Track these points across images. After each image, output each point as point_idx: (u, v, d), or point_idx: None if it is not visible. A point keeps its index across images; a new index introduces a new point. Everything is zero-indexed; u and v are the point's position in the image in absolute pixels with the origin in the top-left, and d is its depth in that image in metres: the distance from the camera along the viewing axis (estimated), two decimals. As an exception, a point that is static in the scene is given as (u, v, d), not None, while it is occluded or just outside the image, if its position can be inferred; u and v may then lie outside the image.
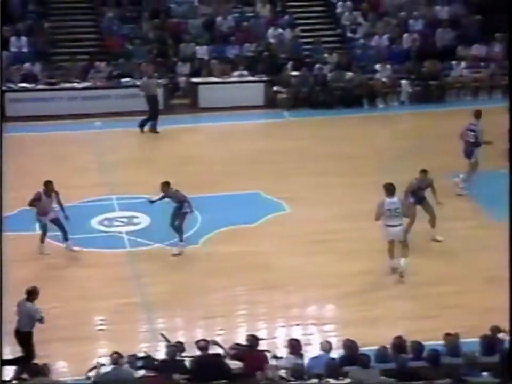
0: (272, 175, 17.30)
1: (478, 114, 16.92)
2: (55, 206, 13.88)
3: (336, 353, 10.15)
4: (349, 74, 22.50)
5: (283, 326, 12.24)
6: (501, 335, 10.42)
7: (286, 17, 24.05)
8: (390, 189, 13.41)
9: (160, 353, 10.51)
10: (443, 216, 14.68)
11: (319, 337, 11.59)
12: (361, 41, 23.46)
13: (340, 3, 24.35)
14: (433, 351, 9.79)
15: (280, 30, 23.57)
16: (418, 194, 14.29)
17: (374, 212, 13.50)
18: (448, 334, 10.33)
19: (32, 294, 10.48)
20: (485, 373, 9.43)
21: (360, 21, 24.03)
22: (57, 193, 13.79)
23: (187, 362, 9.76)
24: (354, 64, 22.77)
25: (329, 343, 10.25)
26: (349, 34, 23.83)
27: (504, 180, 16.13)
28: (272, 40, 23.47)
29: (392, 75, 22.45)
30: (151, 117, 20.15)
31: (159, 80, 20.90)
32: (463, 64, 22.71)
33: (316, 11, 24.76)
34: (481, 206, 15.73)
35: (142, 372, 9.65)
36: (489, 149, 16.69)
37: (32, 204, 13.74)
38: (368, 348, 10.15)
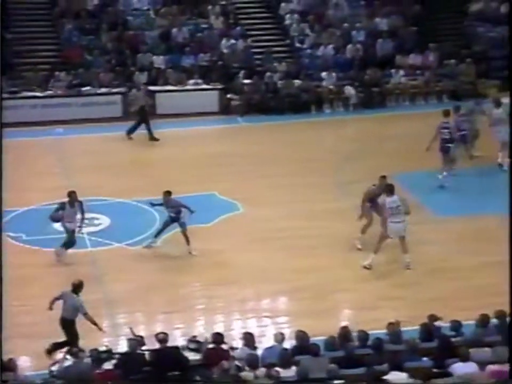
0: (227, 177, 17.26)
1: (446, 113, 17.16)
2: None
3: (288, 344, 10.16)
4: (298, 82, 22.57)
5: (239, 319, 12.22)
6: (437, 323, 10.59)
7: (238, 28, 24.03)
8: (390, 189, 13.42)
9: (122, 347, 10.41)
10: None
11: (273, 328, 11.59)
12: (308, 51, 23.53)
13: (288, 15, 24.39)
14: (377, 339, 9.88)
15: (232, 41, 23.53)
16: (375, 200, 14.04)
17: (324, 211, 13.53)
18: (390, 323, 10.42)
19: (78, 287, 10.78)
20: (424, 358, 9.54)
21: (307, 32, 24.09)
22: (80, 203, 13.58)
23: (147, 355, 9.69)
24: (302, 73, 22.84)
25: (282, 334, 10.24)
26: (297, 45, 23.89)
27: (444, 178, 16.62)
28: (225, 51, 23.44)
29: (337, 82, 22.58)
30: (139, 124, 19.96)
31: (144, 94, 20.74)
32: (401, 72, 22.92)
33: (266, 23, 24.78)
34: (421, 202, 15.87)
35: (104, 366, 9.55)
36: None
37: (55, 216, 13.57)
38: (318, 338, 10.19)
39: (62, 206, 13.61)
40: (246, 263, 13.61)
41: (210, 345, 9.88)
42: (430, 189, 16.44)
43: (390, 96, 22.50)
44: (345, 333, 10.16)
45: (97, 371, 9.46)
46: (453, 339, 9.92)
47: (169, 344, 9.81)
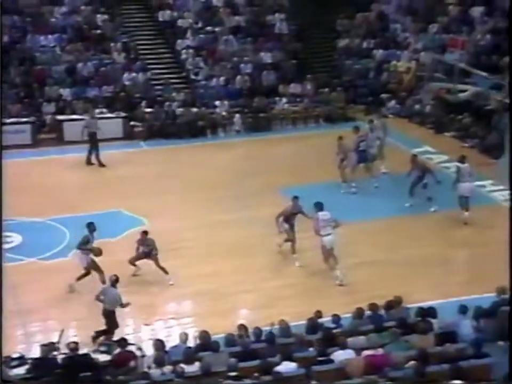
0: (132, 195, 16.93)
1: (356, 130, 17.72)
2: None
3: (192, 342, 9.99)
4: (194, 109, 22.47)
5: (147, 322, 11.95)
6: (320, 319, 10.69)
7: (139, 63, 23.72)
8: (319, 206, 13.32)
9: (34, 353, 9.93)
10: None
11: (178, 329, 11.38)
12: (203, 82, 23.48)
13: (184, 51, 24.29)
14: (269, 333, 9.86)
15: (134, 74, 23.21)
16: (290, 219, 13.77)
17: (221, 221, 13.39)
18: (282, 320, 10.44)
19: (115, 281, 11.29)
20: (311, 349, 9.59)
21: (201, 65, 24.05)
22: None
23: (59, 360, 9.27)
24: (198, 101, 22.78)
25: (186, 334, 10.10)
26: (193, 77, 23.80)
27: (329, 190, 16.82)
28: (127, 83, 23.07)
29: (229, 109, 22.62)
30: (92, 149, 19.29)
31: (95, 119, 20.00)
32: (284, 99, 23.21)
33: (164, 57, 24.56)
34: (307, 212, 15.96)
35: (17, 371, 9.06)
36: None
37: None
38: (219, 335, 10.09)
39: None
40: (152, 272, 13.34)
41: (118, 349, 9.58)
42: (311, 201, 16.58)
43: (275, 121, 22.71)
44: (243, 330, 10.12)
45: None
46: (334, 330, 10.02)
47: (81, 348, 9.43)
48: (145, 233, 13.49)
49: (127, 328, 11.67)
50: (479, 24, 23.70)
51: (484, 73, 19.60)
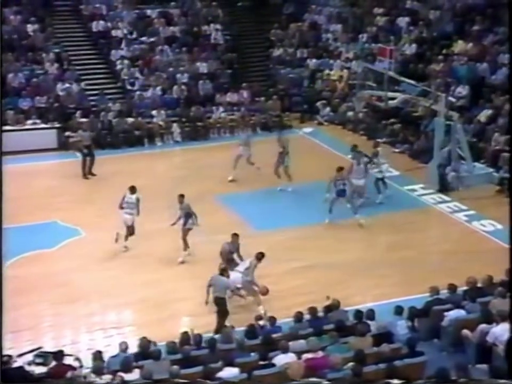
0: (67, 206, 16.60)
1: (279, 141, 17.96)
2: None
3: (132, 351, 9.85)
4: (130, 119, 22.22)
5: (86, 332, 11.71)
6: (261, 322, 10.71)
7: (72, 73, 23.30)
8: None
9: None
10: (214, 229, 14.85)
11: (119, 338, 11.18)
12: (138, 92, 23.23)
13: (119, 61, 24.01)
14: (211, 340, 9.82)
15: (67, 84, 22.75)
16: (229, 257, 13.27)
17: (157, 230, 13.21)
18: (224, 326, 10.42)
19: (225, 271, 11.96)
20: (252, 354, 9.59)
21: (137, 75, 23.81)
22: None
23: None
24: (134, 111, 22.52)
25: (125, 343, 9.93)
26: (128, 87, 23.54)
27: (263, 197, 16.92)
28: (60, 93, 22.60)
29: (166, 119, 22.46)
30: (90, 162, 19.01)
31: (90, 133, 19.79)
32: (220, 108, 23.18)
33: (98, 68, 24.20)
34: (243, 219, 16.04)
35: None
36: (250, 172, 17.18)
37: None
38: (161, 343, 10.00)
39: None
40: (90, 281, 13.16)
41: (54, 362, 9.36)
42: (249, 207, 16.66)
43: (212, 130, 22.68)
44: (184, 337, 10.07)
45: None
46: (274, 335, 10.06)
47: (18, 359, 9.16)
48: (181, 196, 14.26)
49: (65, 339, 11.39)
50: (405, 34, 24.36)
51: (412, 81, 20.10)
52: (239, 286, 12.58)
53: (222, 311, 11.60)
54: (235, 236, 13.38)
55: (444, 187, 17.82)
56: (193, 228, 14.10)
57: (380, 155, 17.31)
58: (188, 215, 14.11)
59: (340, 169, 15.91)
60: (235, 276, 12.48)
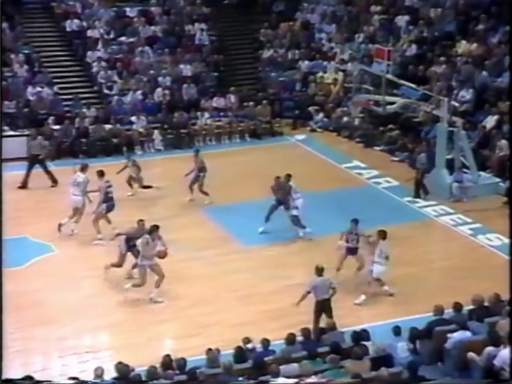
0: (38, 221, 16.52)
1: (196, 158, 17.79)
2: None
3: (109, 377, 9.78)
4: (108, 126, 22.19)
5: (60, 357, 11.62)
6: (250, 345, 10.68)
7: (44, 76, 23.27)
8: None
9: None
10: (200, 245, 14.84)
11: (94, 363, 11.10)
12: (117, 96, 23.20)
13: (95, 63, 24.01)
14: (192, 368, 9.79)
15: (38, 88, 22.73)
16: (130, 242, 13.73)
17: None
18: (209, 349, 10.37)
19: (321, 271, 12.33)
20: (240, 378, 9.54)
21: (115, 78, 23.83)
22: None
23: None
24: (112, 117, 22.52)
25: (101, 368, 9.86)
26: (106, 91, 23.53)
27: (249, 210, 16.90)
28: (31, 98, 22.57)
29: (146, 126, 22.46)
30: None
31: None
32: (206, 114, 23.23)
33: (72, 70, 24.18)
34: (230, 234, 16.03)
35: None
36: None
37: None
38: (141, 368, 9.93)
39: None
40: (63, 301, 13.10)
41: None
42: (237, 221, 16.62)
43: (197, 137, 22.68)
44: (166, 361, 10.02)
45: None
46: (265, 358, 10.03)
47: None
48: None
49: (35, 365, 11.30)
50: (404, 34, 24.54)
51: (412, 84, 20.23)
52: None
53: (329, 312, 12.11)
54: (140, 221, 13.98)
55: (417, 194, 18.03)
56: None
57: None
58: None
59: None
60: None
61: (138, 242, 13.41)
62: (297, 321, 11.85)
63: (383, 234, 13.46)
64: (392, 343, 10.52)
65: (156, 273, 13.28)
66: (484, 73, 21.53)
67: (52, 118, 21.95)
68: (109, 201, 15.60)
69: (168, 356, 10.20)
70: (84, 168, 15.16)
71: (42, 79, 23.18)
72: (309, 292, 12.22)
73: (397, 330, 10.68)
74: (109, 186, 15.83)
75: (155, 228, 13.46)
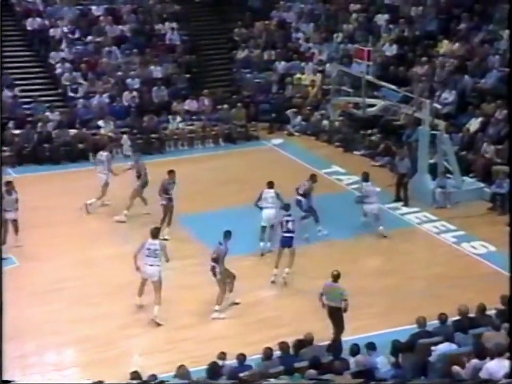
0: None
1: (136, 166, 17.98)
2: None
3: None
4: (73, 131, 22.09)
5: (22, 375, 11.51)
6: (225, 362, 10.66)
7: (4, 77, 23.08)
8: (154, 233, 13.52)
9: None
10: (173, 256, 14.78)
11: (60, 381, 11.08)
12: (82, 100, 23.10)
13: (58, 64, 23.89)
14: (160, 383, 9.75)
15: (-3, 91, 22.62)
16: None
17: (102, 257, 13.15)
18: (181, 365, 10.34)
19: (337, 277, 12.13)
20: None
21: (80, 81, 23.74)
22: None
23: None
24: (78, 121, 22.43)
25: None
26: (70, 94, 23.41)
27: (224, 218, 16.85)
28: (-11, 101, 22.47)
29: (114, 130, 22.38)
30: None
31: None
32: (178, 118, 23.21)
33: (34, 72, 24.09)
34: (205, 244, 15.95)
35: None
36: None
37: None
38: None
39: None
40: (25, 317, 12.95)
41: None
42: (212, 230, 16.54)
43: (168, 142, 22.66)
44: (135, 378, 9.93)
45: None
46: (241, 374, 10.00)
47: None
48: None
49: (-3, 386, 11.17)
50: (385, 33, 24.73)
51: (392, 86, 20.36)
52: None
53: (338, 321, 11.99)
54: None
55: (399, 198, 18.24)
56: None
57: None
58: None
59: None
60: None
61: None
62: (274, 334, 11.84)
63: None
64: (370, 358, 10.51)
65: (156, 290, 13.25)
66: (466, 76, 21.70)
67: (12, 122, 21.82)
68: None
69: (136, 372, 10.12)
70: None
71: (2, 80, 22.99)
72: (322, 294, 12.19)
73: (370, 346, 10.67)
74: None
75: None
